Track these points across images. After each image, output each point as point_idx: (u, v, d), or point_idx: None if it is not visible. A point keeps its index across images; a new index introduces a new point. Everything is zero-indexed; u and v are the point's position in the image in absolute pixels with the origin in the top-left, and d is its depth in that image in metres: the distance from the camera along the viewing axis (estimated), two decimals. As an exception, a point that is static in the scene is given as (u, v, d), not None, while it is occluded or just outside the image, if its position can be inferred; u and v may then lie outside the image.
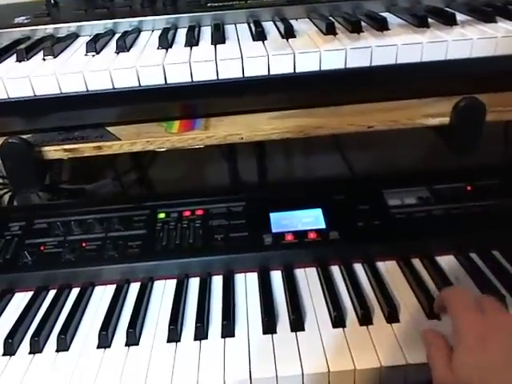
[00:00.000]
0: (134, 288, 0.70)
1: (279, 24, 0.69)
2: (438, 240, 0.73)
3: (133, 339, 0.61)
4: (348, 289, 0.67)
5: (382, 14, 0.69)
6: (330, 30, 0.63)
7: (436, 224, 0.74)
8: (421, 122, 0.60)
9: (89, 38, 0.66)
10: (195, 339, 0.61)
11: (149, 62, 0.59)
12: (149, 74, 0.58)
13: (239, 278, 0.71)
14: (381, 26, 0.64)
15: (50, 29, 0.73)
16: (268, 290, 0.67)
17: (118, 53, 0.63)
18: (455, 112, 0.59)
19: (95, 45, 0.63)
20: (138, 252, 0.73)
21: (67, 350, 0.61)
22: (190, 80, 0.59)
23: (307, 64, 0.59)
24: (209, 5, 0.75)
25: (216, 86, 0.59)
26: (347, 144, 1.03)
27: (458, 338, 0.48)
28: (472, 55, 0.60)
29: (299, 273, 0.71)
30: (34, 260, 0.73)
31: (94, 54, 0.63)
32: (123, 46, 0.63)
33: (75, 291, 0.71)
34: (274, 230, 0.74)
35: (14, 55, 0.64)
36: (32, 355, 0.61)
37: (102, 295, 0.70)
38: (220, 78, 0.59)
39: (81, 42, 0.69)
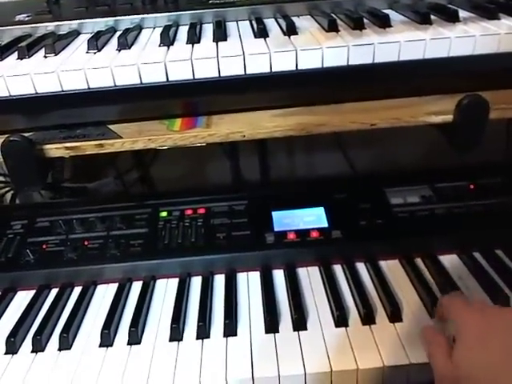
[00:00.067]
0: (136, 287, 0.70)
1: (281, 21, 0.68)
2: (440, 239, 0.73)
3: (135, 338, 0.61)
4: (350, 288, 0.67)
5: (384, 10, 0.68)
6: (332, 27, 0.63)
7: (439, 223, 0.73)
8: (424, 119, 0.60)
9: (90, 36, 0.66)
10: (197, 338, 0.61)
11: (150, 59, 0.58)
12: (150, 71, 0.58)
13: (241, 276, 0.71)
14: (383, 22, 0.63)
15: (51, 26, 0.72)
16: (270, 289, 0.67)
17: (119, 50, 0.62)
18: (458, 109, 0.59)
19: (96, 42, 0.63)
20: (140, 251, 0.73)
21: (69, 348, 0.61)
22: (192, 77, 0.58)
23: (309, 61, 0.58)
24: (210, 2, 0.75)
25: (218, 83, 0.59)
26: (349, 142, 1.02)
27: (459, 336, 0.48)
28: (475, 52, 0.59)
29: (301, 272, 0.71)
30: (36, 258, 0.73)
31: (95, 51, 0.63)
32: (125, 44, 0.63)
33: (77, 290, 0.71)
34: (276, 229, 0.74)
35: (16, 53, 0.63)
36: (34, 354, 0.61)
37: (104, 294, 0.70)
38: (222, 75, 0.58)
39: (82, 40, 0.69)
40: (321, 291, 0.67)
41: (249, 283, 0.70)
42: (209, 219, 0.77)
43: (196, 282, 0.70)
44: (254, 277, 0.70)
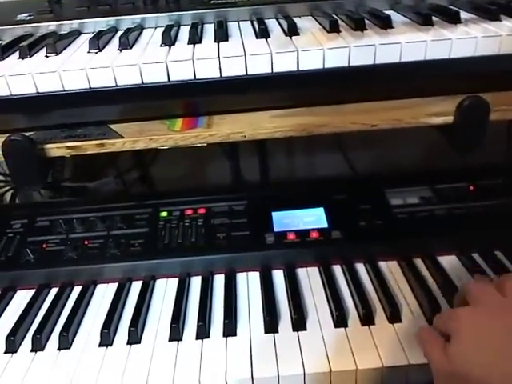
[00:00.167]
0: (136, 286, 0.70)
1: (282, 22, 0.68)
2: (440, 240, 0.73)
3: (135, 337, 0.61)
4: (350, 288, 0.67)
5: (386, 11, 0.68)
6: (333, 28, 0.63)
7: (438, 224, 0.74)
8: (424, 120, 0.60)
9: (91, 35, 0.66)
10: (197, 338, 0.61)
11: (152, 59, 0.58)
12: (152, 71, 0.58)
13: (241, 276, 0.71)
14: (385, 24, 0.63)
15: (52, 26, 0.72)
16: (270, 289, 0.67)
17: (120, 50, 0.62)
18: (459, 111, 0.59)
19: (98, 42, 0.63)
20: (140, 250, 0.73)
21: (69, 347, 0.61)
22: (193, 77, 0.58)
23: (311, 62, 0.58)
24: (212, 2, 0.75)
25: (219, 83, 0.59)
26: (349, 143, 1.02)
27: (453, 331, 0.47)
28: (476, 53, 0.59)
29: (301, 272, 0.71)
30: (36, 258, 0.73)
31: (96, 51, 0.63)
32: (126, 43, 0.63)
33: (77, 289, 0.71)
34: (276, 229, 0.74)
35: (17, 52, 0.63)
36: (34, 353, 0.61)
37: (104, 293, 0.70)
38: (223, 75, 0.58)
39: (83, 39, 0.69)
40: (320, 291, 0.67)
41: (248, 283, 0.70)
42: (209, 219, 0.77)
43: (196, 282, 0.70)
44: (254, 277, 0.70)
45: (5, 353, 0.61)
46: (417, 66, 0.60)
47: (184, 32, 0.68)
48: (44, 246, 0.75)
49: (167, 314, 0.64)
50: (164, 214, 0.78)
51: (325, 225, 0.74)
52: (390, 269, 0.70)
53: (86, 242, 0.74)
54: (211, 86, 0.59)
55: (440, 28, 0.62)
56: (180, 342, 0.61)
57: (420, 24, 0.64)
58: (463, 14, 0.66)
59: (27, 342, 0.62)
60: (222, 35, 0.63)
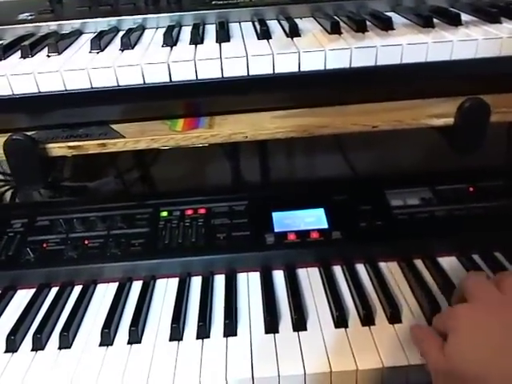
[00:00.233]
0: (137, 286, 0.70)
1: (284, 23, 0.68)
2: (440, 241, 0.73)
3: (135, 337, 0.61)
4: (350, 289, 0.67)
5: (387, 13, 0.69)
6: (334, 29, 0.63)
7: (438, 225, 0.74)
8: (425, 122, 0.60)
9: (93, 35, 0.66)
10: (197, 338, 0.61)
11: (153, 59, 0.58)
12: (153, 71, 0.58)
13: (241, 277, 0.71)
14: (386, 25, 0.63)
15: (53, 25, 0.72)
16: (270, 290, 0.67)
17: (122, 50, 0.63)
18: (460, 112, 0.59)
19: (99, 42, 0.63)
20: (141, 250, 0.73)
21: (69, 347, 0.61)
22: (195, 78, 0.58)
23: (312, 63, 0.58)
24: (213, 3, 0.75)
25: (221, 84, 0.59)
26: (350, 144, 1.03)
27: (451, 329, 0.48)
28: (477, 56, 0.59)
29: (301, 272, 0.71)
30: (36, 257, 0.73)
31: (98, 51, 0.63)
32: (128, 44, 0.63)
33: (77, 289, 0.71)
34: (276, 230, 0.74)
35: (19, 52, 0.63)
36: (34, 352, 0.61)
37: (105, 293, 0.70)
38: (225, 76, 0.58)
39: (85, 39, 0.69)
40: (321, 292, 0.67)
41: (249, 283, 0.70)
42: (209, 219, 0.77)
43: (196, 282, 0.70)
44: (254, 277, 0.71)
45: (5, 352, 0.61)
46: (418, 68, 0.60)
47: (185, 32, 0.68)
48: (44, 245, 0.75)
49: (167, 314, 0.64)
50: (164, 213, 0.78)
51: (325, 225, 0.74)
52: (390, 269, 0.70)
53: (86, 242, 0.74)
54: (213, 86, 0.59)
55: (441, 30, 0.62)
56: (180, 341, 0.61)
57: (421, 26, 0.64)
58: (464, 16, 0.66)
59: (28, 342, 0.62)
60: (223, 36, 0.64)
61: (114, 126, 0.62)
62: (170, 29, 0.67)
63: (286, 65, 0.58)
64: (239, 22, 0.72)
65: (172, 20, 0.72)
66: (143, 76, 0.58)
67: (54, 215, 0.79)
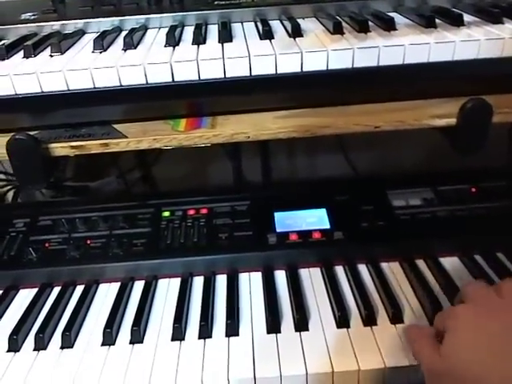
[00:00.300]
0: (139, 286, 0.70)
1: (286, 23, 0.68)
2: (442, 241, 0.73)
3: (137, 337, 0.61)
4: (352, 289, 0.67)
5: (389, 13, 0.69)
6: (337, 30, 0.63)
7: (440, 225, 0.74)
8: (427, 122, 0.60)
9: (95, 35, 0.66)
10: (199, 338, 0.61)
11: (156, 59, 0.58)
12: (156, 71, 0.58)
13: (243, 277, 0.71)
14: (388, 26, 0.63)
15: (56, 25, 0.73)
16: (272, 290, 0.67)
17: (125, 50, 0.63)
18: (462, 113, 0.59)
19: (102, 42, 0.63)
20: (143, 250, 0.73)
21: (72, 347, 0.61)
22: (198, 78, 0.58)
23: (314, 63, 0.58)
24: (216, 3, 0.75)
25: (223, 84, 0.59)
26: (352, 144, 1.03)
27: (449, 328, 0.48)
28: (479, 56, 0.59)
29: (303, 272, 0.71)
30: (38, 257, 0.73)
31: (101, 50, 0.63)
32: (130, 44, 0.63)
33: (80, 288, 0.71)
34: (278, 230, 0.74)
35: (22, 51, 0.63)
36: (36, 352, 0.61)
37: (107, 293, 0.70)
38: (227, 76, 0.58)
39: (87, 39, 0.69)
40: (322, 292, 0.67)
41: (251, 283, 0.70)
42: (211, 219, 0.77)
43: (198, 282, 0.70)
44: (256, 277, 0.71)
45: (7, 351, 0.61)
46: (420, 68, 0.60)
47: (188, 32, 0.68)
48: (46, 245, 0.75)
49: (169, 314, 0.64)
50: (166, 213, 0.78)
51: (327, 225, 0.74)
52: (392, 270, 0.70)
53: (88, 242, 0.74)
54: (215, 86, 0.59)
55: (443, 30, 0.62)
56: (182, 341, 0.61)
57: (423, 26, 0.64)
58: (466, 17, 0.66)
59: (30, 341, 0.62)
60: (226, 36, 0.64)
61: (117, 126, 0.62)
62: (172, 29, 0.67)
63: (289, 65, 0.58)
64: (241, 22, 0.72)
65: (175, 20, 0.72)
66: (146, 76, 0.58)
67: (56, 215, 0.79)
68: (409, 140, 0.92)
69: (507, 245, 0.72)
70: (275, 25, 0.70)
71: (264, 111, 0.63)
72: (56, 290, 0.71)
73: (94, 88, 0.59)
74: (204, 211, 0.78)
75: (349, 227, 0.74)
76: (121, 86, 0.59)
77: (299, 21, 0.67)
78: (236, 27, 0.70)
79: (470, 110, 0.59)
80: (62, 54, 0.63)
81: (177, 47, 0.63)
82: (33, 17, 0.75)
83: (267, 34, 0.63)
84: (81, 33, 0.72)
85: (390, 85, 0.62)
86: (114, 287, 0.70)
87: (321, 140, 0.71)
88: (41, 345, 0.62)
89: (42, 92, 0.58)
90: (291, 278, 0.69)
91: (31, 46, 0.63)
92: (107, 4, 0.77)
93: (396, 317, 0.61)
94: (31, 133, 0.59)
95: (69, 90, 0.59)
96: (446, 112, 0.61)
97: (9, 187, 1.03)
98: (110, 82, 0.58)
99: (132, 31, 0.67)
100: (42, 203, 0.97)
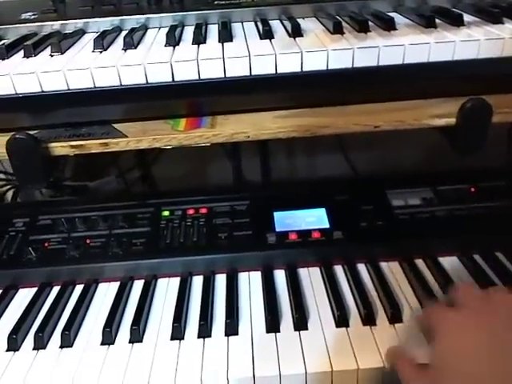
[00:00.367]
0: (138, 285, 0.70)
1: (286, 23, 0.69)
2: (441, 241, 0.73)
3: (137, 336, 0.61)
4: (351, 289, 0.67)
5: (389, 13, 0.69)
6: (337, 30, 0.63)
7: (439, 225, 0.74)
8: (427, 122, 0.60)
9: (95, 35, 0.66)
10: (199, 337, 0.61)
11: (156, 59, 0.58)
12: (156, 71, 0.58)
13: (243, 276, 0.71)
14: (388, 25, 0.64)
15: (56, 25, 0.73)
16: (271, 289, 0.67)
17: (125, 50, 0.63)
18: (462, 113, 0.59)
19: (102, 41, 0.63)
20: (142, 249, 0.73)
21: (71, 346, 0.61)
22: (198, 78, 0.59)
23: (314, 63, 0.59)
24: (216, 3, 0.75)
25: (223, 84, 0.59)
26: (351, 144, 1.03)
27: (440, 331, 0.48)
28: (479, 56, 0.60)
29: (302, 272, 0.71)
30: (38, 256, 0.73)
31: (101, 50, 0.63)
32: (131, 43, 0.63)
33: (79, 288, 0.71)
34: (277, 229, 0.74)
35: (22, 51, 0.64)
36: (36, 351, 0.61)
37: (106, 292, 0.70)
38: (227, 75, 0.59)
39: (88, 39, 0.69)
40: (322, 291, 0.67)
41: (250, 283, 0.70)
42: (211, 219, 0.77)
43: (197, 282, 0.70)
44: (256, 277, 0.71)
45: (7, 351, 0.61)
46: (420, 68, 0.60)
47: (188, 32, 0.68)
48: (46, 244, 0.75)
49: (169, 313, 0.64)
50: (166, 213, 0.78)
51: (326, 225, 0.74)
52: (392, 269, 0.70)
53: (87, 241, 0.74)
54: (215, 86, 0.59)
55: (443, 30, 0.63)
56: (182, 340, 0.61)
57: (423, 26, 0.64)
58: (466, 17, 0.66)
59: (29, 341, 0.62)
60: (226, 36, 0.64)
61: (117, 126, 0.62)
62: (172, 28, 0.67)
63: (289, 65, 0.59)
64: (241, 22, 0.72)
65: (175, 20, 0.72)
66: (146, 76, 0.58)
67: (55, 214, 0.79)
68: (408, 140, 0.92)
69: (506, 244, 0.72)
70: (275, 25, 0.70)
71: (264, 111, 0.63)
72: (55, 290, 0.71)
73: (94, 88, 0.59)
74: (203, 211, 0.78)
75: (348, 227, 0.74)
76: (121, 85, 0.59)
77: (299, 21, 0.68)
78: (236, 27, 0.70)
79: (469, 109, 0.59)
80: (62, 53, 0.63)
81: (177, 47, 0.63)
82: (33, 16, 0.75)
83: (267, 34, 0.64)
84: (81, 32, 0.72)
85: (389, 85, 0.62)
86: (114, 286, 0.70)
87: (320, 140, 0.71)
88: (40, 344, 0.62)
89: (42, 91, 0.59)
90: (290, 277, 0.69)
91: (31, 45, 0.63)
92: (107, 4, 0.77)
93: (395, 316, 0.61)
94: (31, 132, 0.59)
95: (69, 89, 0.59)
96: (446, 112, 0.61)
97: (8, 187, 1.03)
98: (110, 82, 0.58)
99: (132, 31, 0.67)
100: (42, 203, 0.97)
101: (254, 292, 0.68)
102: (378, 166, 1.04)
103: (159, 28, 0.72)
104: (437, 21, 0.65)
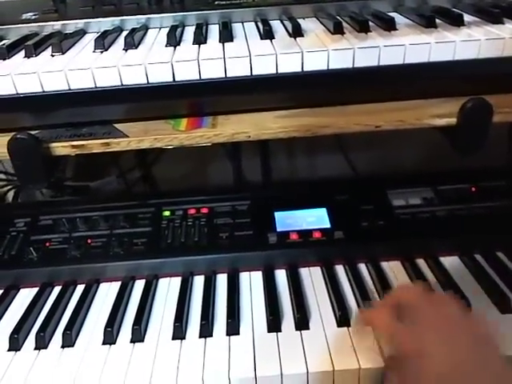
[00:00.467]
0: (139, 285, 0.70)
1: (287, 23, 0.69)
2: (442, 240, 0.73)
3: (138, 336, 0.61)
4: (352, 288, 0.67)
5: (389, 13, 0.69)
6: (337, 30, 0.63)
7: (440, 225, 0.74)
8: (428, 122, 0.60)
9: (96, 35, 0.66)
10: (200, 337, 0.61)
11: (157, 59, 0.59)
12: (157, 71, 0.58)
13: (244, 276, 0.71)
14: (389, 25, 0.64)
15: (57, 25, 0.73)
16: (273, 289, 0.67)
17: (126, 50, 0.63)
18: (462, 113, 0.59)
19: (103, 41, 0.63)
20: (143, 249, 0.73)
21: (72, 346, 0.62)
22: (198, 78, 0.59)
23: (315, 63, 0.59)
24: (216, 3, 0.75)
25: (224, 84, 0.59)
26: (352, 144, 1.03)
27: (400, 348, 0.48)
28: (479, 56, 0.60)
29: (304, 272, 0.71)
30: (39, 256, 0.73)
31: (102, 50, 0.63)
32: (131, 43, 0.63)
33: (80, 288, 0.71)
34: (278, 229, 0.74)
35: (23, 51, 0.64)
36: (37, 351, 0.61)
37: (107, 292, 0.70)
38: (228, 75, 0.59)
39: (88, 39, 0.69)
40: (323, 291, 0.67)
41: (251, 283, 0.70)
42: (212, 219, 0.77)
43: (199, 281, 0.70)
44: (257, 276, 0.71)
45: (8, 350, 0.61)
46: (420, 68, 0.60)
47: (189, 32, 0.68)
48: (47, 244, 0.75)
49: (170, 313, 0.64)
50: (167, 213, 0.78)
51: (327, 225, 0.74)
52: (392, 269, 0.70)
53: (89, 241, 0.75)
54: (216, 86, 0.59)
55: (443, 30, 0.63)
56: (183, 340, 0.61)
57: (424, 26, 0.64)
58: (466, 17, 0.66)
59: (31, 340, 0.62)
60: (226, 36, 0.64)
61: (118, 126, 0.62)
62: (173, 29, 0.67)
63: (289, 65, 0.59)
64: (242, 22, 0.73)
65: (175, 20, 0.73)
66: (147, 76, 0.58)
67: (56, 214, 0.79)
68: (409, 140, 0.92)
69: (507, 244, 0.72)
70: (276, 25, 0.70)
71: (265, 111, 0.63)
72: (57, 290, 0.71)
73: (95, 88, 0.59)
74: (204, 211, 0.78)
75: (349, 227, 0.74)
76: (122, 85, 0.59)
77: (299, 21, 0.68)
78: (237, 27, 0.70)
79: (470, 109, 0.59)
80: (63, 53, 0.63)
81: (178, 47, 0.63)
82: (34, 17, 0.75)
83: (268, 34, 0.64)
84: (82, 33, 0.72)
85: (390, 84, 0.62)
86: (115, 286, 0.70)
87: (321, 140, 0.71)
88: (42, 344, 0.62)
89: (43, 92, 0.59)
90: (292, 277, 0.69)
91: (32, 45, 0.63)
92: (108, 4, 0.77)
93: (396, 316, 0.61)
94: (32, 132, 0.59)
95: (70, 89, 0.59)
96: (447, 112, 0.61)
97: (9, 187, 1.03)
98: (111, 82, 0.59)
99: (133, 31, 0.67)
100: (43, 203, 0.97)
101: (255, 292, 0.68)
102: (379, 166, 1.04)
103: (160, 28, 0.73)
104: (437, 21, 0.65)
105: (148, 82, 0.59)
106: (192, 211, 0.78)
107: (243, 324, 0.63)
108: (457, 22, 0.64)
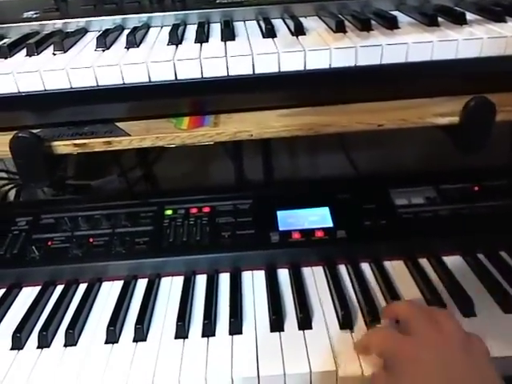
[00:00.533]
0: (142, 284, 0.70)
1: (288, 21, 0.69)
2: (445, 240, 0.73)
3: (140, 335, 0.61)
4: (355, 288, 0.67)
5: (392, 12, 0.69)
6: (339, 28, 0.63)
7: (443, 224, 0.74)
8: (431, 121, 0.60)
9: (98, 34, 0.66)
10: (203, 336, 0.61)
11: (159, 57, 0.58)
12: (159, 69, 0.58)
13: (246, 275, 0.71)
14: (391, 24, 0.63)
15: (58, 24, 0.73)
16: (275, 288, 0.67)
17: (128, 48, 0.63)
18: (465, 111, 0.59)
19: (105, 40, 0.63)
20: (146, 248, 0.73)
21: (75, 344, 0.62)
22: (200, 76, 0.58)
23: (317, 61, 0.58)
24: (218, 1, 0.75)
25: (226, 82, 0.59)
26: (354, 143, 1.02)
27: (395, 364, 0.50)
28: (482, 54, 0.59)
29: (306, 271, 0.71)
30: (41, 255, 0.73)
31: (104, 49, 0.63)
32: (133, 42, 0.63)
33: (82, 287, 0.71)
34: (281, 228, 0.74)
35: (24, 49, 0.64)
36: (40, 350, 0.61)
37: (110, 291, 0.70)
38: (230, 74, 0.58)
39: (90, 38, 0.69)
40: (325, 291, 0.67)
41: (254, 282, 0.70)
42: (214, 218, 0.77)
43: (201, 281, 0.70)
44: (259, 275, 0.71)
45: (11, 349, 0.62)
46: (423, 67, 0.60)
47: (191, 31, 0.68)
48: (49, 243, 0.75)
49: (173, 312, 0.65)
50: (169, 212, 0.78)
51: (330, 224, 0.74)
52: (395, 268, 0.70)
53: (91, 240, 0.75)
54: (218, 84, 0.59)
55: (446, 29, 0.62)
56: (186, 339, 0.61)
57: (426, 25, 0.64)
58: (468, 15, 0.66)
59: (33, 339, 0.62)
60: (228, 34, 0.64)
61: (120, 124, 0.62)
62: (175, 27, 0.67)
63: (292, 63, 0.58)
64: (244, 21, 0.72)
65: (177, 19, 0.72)
66: (149, 74, 0.58)
67: (58, 213, 0.79)
68: (411, 138, 0.92)
69: (510, 243, 0.72)
70: (277, 23, 0.70)
71: (267, 109, 0.63)
72: (59, 288, 0.71)
73: (97, 86, 0.59)
74: (206, 210, 0.78)
75: (351, 226, 0.74)
76: (124, 84, 0.59)
77: (301, 19, 0.68)
78: (238, 26, 0.70)
79: (473, 108, 0.59)
80: (65, 52, 0.63)
81: (179, 45, 0.63)
82: (35, 15, 0.75)
83: (270, 33, 0.63)
84: (83, 31, 0.72)
85: (392, 83, 0.62)
86: (117, 285, 0.70)
87: (323, 139, 0.71)
88: (44, 343, 0.62)
89: (45, 90, 0.58)
90: (294, 276, 0.69)
91: (34, 44, 0.63)
92: (109, 2, 0.77)
93: (399, 315, 0.61)
94: (34, 131, 0.59)
95: (72, 88, 0.58)
96: (449, 110, 0.60)
97: (11, 185, 1.03)
98: (112, 80, 0.58)
99: (134, 30, 0.67)
100: (45, 201, 0.97)
101: (257, 291, 0.68)
102: (381, 165, 1.03)
103: (161, 27, 0.72)
104: (439, 19, 0.64)
105: (150, 81, 0.59)
106: (194, 210, 0.78)
107: (246, 323, 0.62)
108: (459, 20, 0.64)
